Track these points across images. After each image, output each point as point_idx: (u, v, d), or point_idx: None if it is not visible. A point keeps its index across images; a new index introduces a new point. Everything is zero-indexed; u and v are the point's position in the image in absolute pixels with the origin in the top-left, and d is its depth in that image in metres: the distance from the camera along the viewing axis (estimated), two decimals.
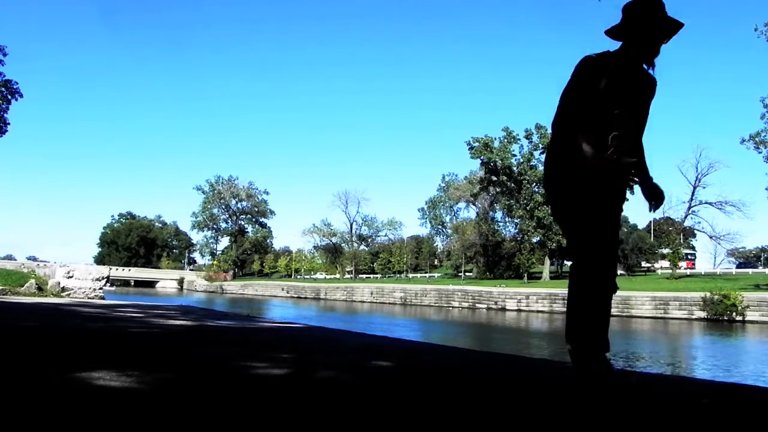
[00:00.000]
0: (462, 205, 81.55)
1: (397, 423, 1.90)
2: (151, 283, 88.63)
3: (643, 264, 63.06)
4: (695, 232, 61.61)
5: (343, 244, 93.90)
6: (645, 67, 2.79)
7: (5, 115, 30.27)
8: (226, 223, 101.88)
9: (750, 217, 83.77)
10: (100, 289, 17.08)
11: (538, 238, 61.65)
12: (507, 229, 70.38)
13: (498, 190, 65.60)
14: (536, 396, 2.60)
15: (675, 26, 2.72)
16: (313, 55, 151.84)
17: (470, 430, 1.85)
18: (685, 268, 57.82)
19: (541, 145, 62.03)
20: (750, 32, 34.94)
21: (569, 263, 2.94)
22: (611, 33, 2.80)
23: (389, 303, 54.20)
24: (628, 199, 2.94)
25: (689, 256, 62.94)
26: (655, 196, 2.82)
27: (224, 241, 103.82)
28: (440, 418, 2.00)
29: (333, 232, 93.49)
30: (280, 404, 2.10)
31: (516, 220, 64.02)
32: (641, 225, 79.11)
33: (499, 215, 71.22)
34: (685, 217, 56.48)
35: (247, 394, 2.25)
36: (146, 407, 1.92)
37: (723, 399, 2.80)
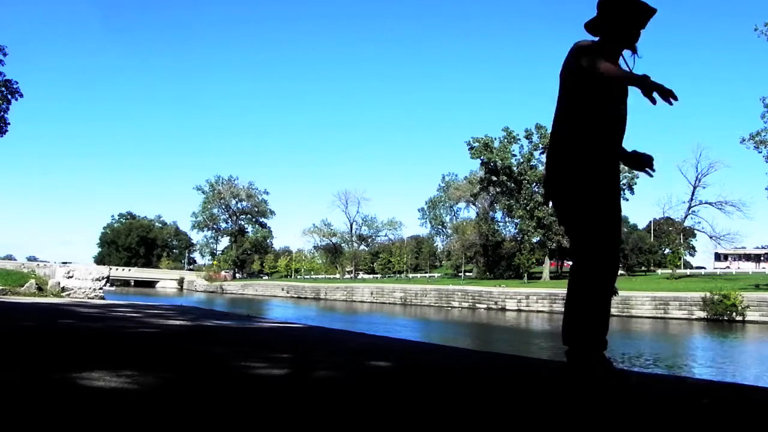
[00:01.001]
0: (462, 205, 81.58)
1: (396, 423, 1.89)
2: (151, 283, 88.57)
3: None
4: (695, 232, 61.55)
5: (343, 244, 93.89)
6: (630, 54, 2.81)
7: (5, 115, 30.31)
8: (226, 223, 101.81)
9: (750, 217, 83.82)
10: (100, 289, 17.08)
11: (538, 238, 61.61)
12: (507, 229, 70.36)
13: (498, 190, 65.55)
14: (537, 396, 2.60)
15: (649, 12, 2.75)
16: (313, 55, 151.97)
17: (468, 430, 1.84)
18: None
19: (541, 145, 61.93)
20: (750, 32, 34.94)
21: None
22: (589, 26, 2.83)
23: (389, 303, 54.16)
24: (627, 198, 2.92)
25: None
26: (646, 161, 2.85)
27: (224, 241, 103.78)
28: (439, 418, 1.99)
29: (333, 232, 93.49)
30: (279, 404, 2.10)
31: (516, 220, 63.96)
32: (641, 225, 79.21)
33: (499, 215, 71.19)
34: (685, 217, 56.48)
35: (246, 394, 2.24)
36: (145, 407, 1.92)
37: (723, 399, 2.79)
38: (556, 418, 2.09)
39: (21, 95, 30.77)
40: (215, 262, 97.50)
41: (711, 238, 55.77)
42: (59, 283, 16.47)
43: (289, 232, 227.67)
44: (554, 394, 2.63)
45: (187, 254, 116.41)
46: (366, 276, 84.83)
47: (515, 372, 3.56)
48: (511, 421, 2.01)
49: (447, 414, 2.07)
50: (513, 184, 62.19)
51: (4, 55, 29.54)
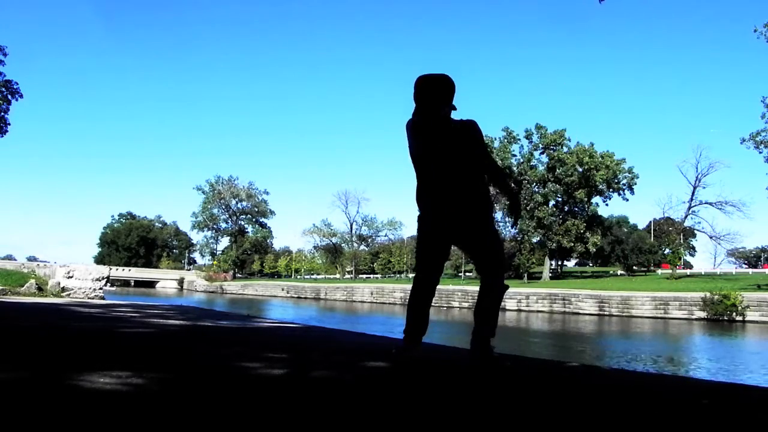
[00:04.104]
0: None
1: (395, 422, 1.90)
2: (151, 284, 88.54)
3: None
4: (695, 232, 61.61)
5: (343, 245, 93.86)
6: (455, 120, 3.58)
7: (5, 115, 30.36)
8: (226, 223, 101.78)
9: (750, 217, 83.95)
10: (100, 289, 17.07)
11: (538, 238, 61.61)
12: (507, 229, 70.38)
13: (498, 190, 65.52)
14: (535, 396, 2.60)
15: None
16: (312, 56, 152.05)
17: (463, 428, 1.85)
18: None
19: (541, 145, 62.01)
20: (750, 32, 34.93)
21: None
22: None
23: (389, 303, 54.19)
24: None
25: None
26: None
27: (224, 241, 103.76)
28: (437, 417, 1.99)
29: (333, 232, 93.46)
30: (278, 404, 2.10)
31: None
32: (641, 225, 79.29)
33: (499, 215, 71.21)
34: (685, 217, 56.55)
35: (245, 394, 2.24)
36: (145, 407, 1.92)
37: (723, 399, 2.79)
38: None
39: (21, 96, 30.85)
40: (215, 262, 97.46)
41: (711, 238, 55.87)
42: (59, 283, 16.46)
43: (289, 232, 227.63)
44: (554, 395, 2.63)
45: (187, 254, 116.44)
46: (362, 276, 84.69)
47: (514, 371, 3.56)
48: (509, 421, 2.02)
49: (445, 413, 2.08)
50: (513, 184, 62.11)
51: (5, 55, 29.63)
